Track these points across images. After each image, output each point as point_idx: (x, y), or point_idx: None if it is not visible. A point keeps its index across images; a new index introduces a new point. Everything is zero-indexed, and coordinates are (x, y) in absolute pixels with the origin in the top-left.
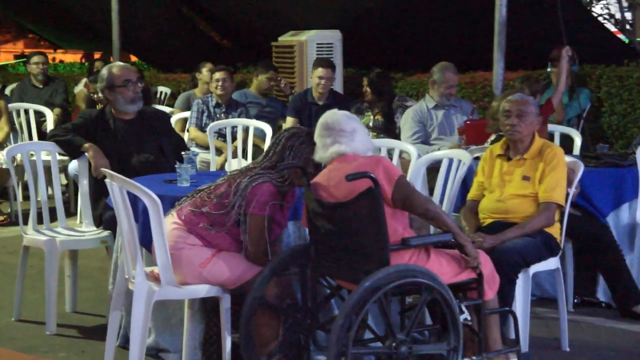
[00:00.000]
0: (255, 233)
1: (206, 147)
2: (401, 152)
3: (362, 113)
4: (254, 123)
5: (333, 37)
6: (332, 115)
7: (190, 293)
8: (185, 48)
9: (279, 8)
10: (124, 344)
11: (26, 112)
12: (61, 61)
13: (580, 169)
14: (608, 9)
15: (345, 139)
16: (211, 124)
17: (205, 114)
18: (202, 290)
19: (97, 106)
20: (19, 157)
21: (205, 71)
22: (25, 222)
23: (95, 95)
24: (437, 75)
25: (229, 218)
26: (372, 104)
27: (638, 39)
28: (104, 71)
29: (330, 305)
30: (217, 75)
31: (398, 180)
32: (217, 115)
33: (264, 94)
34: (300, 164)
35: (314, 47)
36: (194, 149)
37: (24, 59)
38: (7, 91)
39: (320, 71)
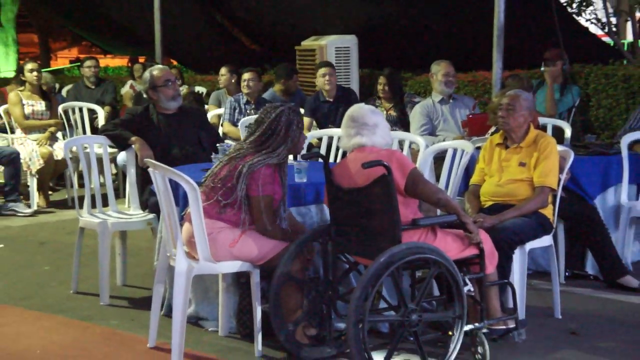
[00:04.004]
0: (258, 211)
1: (238, 140)
2: (411, 143)
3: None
4: None
5: (350, 41)
6: (359, 109)
7: (224, 268)
8: (219, 52)
9: (303, 16)
10: (168, 313)
11: (80, 109)
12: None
13: (571, 156)
14: (595, 14)
15: (366, 131)
16: (242, 119)
17: (237, 111)
18: (235, 266)
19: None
20: (74, 149)
21: (221, 76)
22: (81, 207)
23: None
24: (433, 68)
25: (234, 199)
26: (388, 100)
27: (622, 41)
28: (147, 74)
29: (349, 279)
30: (246, 75)
31: (411, 172)
32: (248, 112)
33: (291, 94)
34: (322, 155)
35: (333, 50)
36: (227, 141)
37: (78, 63)
38: (64, 92)
39: (323, 70)
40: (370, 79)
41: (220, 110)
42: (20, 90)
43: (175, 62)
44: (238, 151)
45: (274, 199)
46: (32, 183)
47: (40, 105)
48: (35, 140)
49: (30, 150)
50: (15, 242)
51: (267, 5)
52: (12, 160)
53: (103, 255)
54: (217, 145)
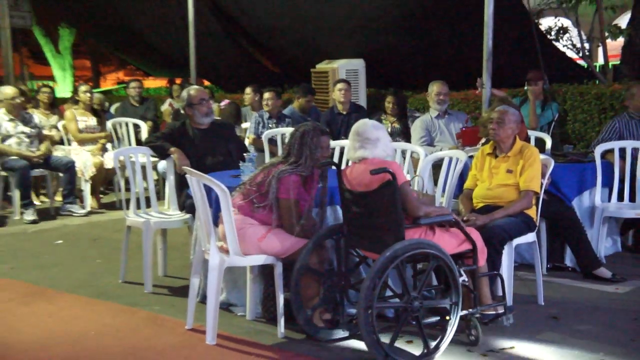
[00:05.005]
0: (286, 212)
1: (262, 150)
2: (412, 152)
3: (381, 123)
4: None
5: (358, 64)
6: (363, 125)
7: (252, 261)
8: (246, 73)
9: (317, 43)
10: (203, 300)
11: (126, 124)
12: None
13: (552, 164)
14: (571, 40)
15: (369, 145)
16: (265, 132)
17: (261, 125)
18: (261, 259)
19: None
20: (122, 158)
21: (246, 95)
22: (127, 208)
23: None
24: (429, 88)
25: (267, 201)
26: (394, 115)
27: (595, 64)
28: (184, 93)
29: (359, 270)
30: (265, 95)
31: (401, 187)
32: (270, 125)
33: (305, 111)
34: (334, 162)
35: (343, 72)
36: (253, 151)
37: (124, 85)
38: (112, 109)
39: (340, 85)
40: (376, 96)
41: (247, 125)
42: (75, 109)
43: (207, 83)
44: (272, 161)
45: (299, 203)
46: (86, 188)
47: (92, 121)
48: (89, 151)
49: (84, 159)
50: (71, 238)
51: (287, 33)
52: (68, 168)
53: (147, 250)
54: (244, 154)
